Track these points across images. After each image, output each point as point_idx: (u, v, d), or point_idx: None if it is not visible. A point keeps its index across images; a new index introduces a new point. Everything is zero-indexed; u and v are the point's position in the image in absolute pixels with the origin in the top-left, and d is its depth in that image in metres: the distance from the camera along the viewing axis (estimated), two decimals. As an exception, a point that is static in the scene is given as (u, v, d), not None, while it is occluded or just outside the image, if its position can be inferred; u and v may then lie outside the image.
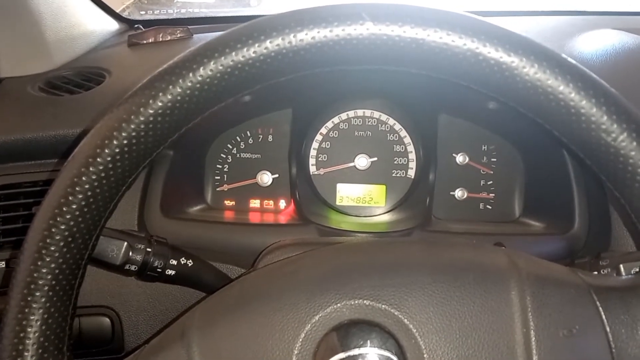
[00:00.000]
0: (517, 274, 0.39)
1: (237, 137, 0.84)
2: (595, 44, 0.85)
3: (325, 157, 0.82)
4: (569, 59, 0.36)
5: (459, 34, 0.35)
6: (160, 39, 0.95)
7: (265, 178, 0.84)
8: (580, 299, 0.38)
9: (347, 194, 0.83)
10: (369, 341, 0.37)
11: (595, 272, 0.54)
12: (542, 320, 0.37)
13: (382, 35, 0.36)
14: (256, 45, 0.36)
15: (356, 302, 0.38)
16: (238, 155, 0.84)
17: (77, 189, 0.38)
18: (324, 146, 0.82)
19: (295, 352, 0.37)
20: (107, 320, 0.72)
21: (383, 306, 0.38)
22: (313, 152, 0.82)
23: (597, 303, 0.38)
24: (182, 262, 0.59)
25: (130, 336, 0.73)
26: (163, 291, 0.73)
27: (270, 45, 0.36)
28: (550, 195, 0.78)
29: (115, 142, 0.37)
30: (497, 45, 0.35)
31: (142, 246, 0.56)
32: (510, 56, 0.35)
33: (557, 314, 0.37)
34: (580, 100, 0.35)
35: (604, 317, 0.37)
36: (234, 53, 0.36)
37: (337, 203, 0.82)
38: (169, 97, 0.37)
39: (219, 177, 0.85)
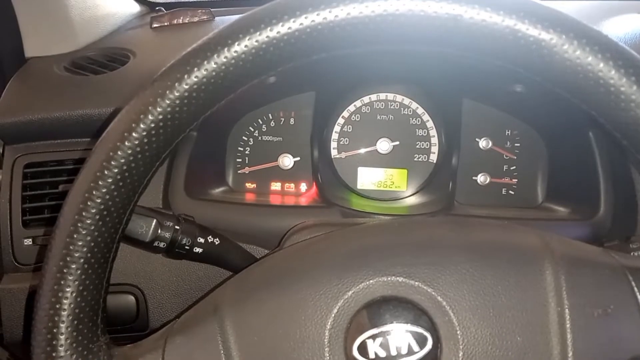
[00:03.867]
0: (550, 254, 0.39)
1: (259, 120, 0.84)
2: (622, 28, 0.84)
3: (347, 140, 0.82)
4: (609, 37, 0.35)
5: (497, 10, 0.35)
6: (182, 21, 0.95)
7: (287, 161, 0.85)
8: (615, 279, 0.38)
9: (368, 177, 0.82)
10: (401, 317, 0.37)
11: (625, 255, 0.54)
12: (577, 300, 0.37)
13: (419, 12, 0.35)
14: (291, 21, 0.36)
15: (389, 279, 0.38)
16: (260, 138, 0.84)
17: (112, 163, 0.38)
18: (345, 130, 0.82)
19: (328, 327, 0.38)
20: (132, 298, 0.73)
21: (416, 283, 0.38)
22: (335, 136, 0.82)
23: (633, 283, 0.38)
24: (210, 241, 0.60)
25: (155, 314, 0.74)
26: (188, 270, 0.73)
27: (306, 21, 0.36)
28: (575, 180, 0.78)
29: (150, 117, 0.37)
30: (536, 22, 0.35)
31: (171, 224, 0.57)
32: (550, 33, 0.34)
33: (592, 294, 0.37)
34: (619, 79, 0.35)
35: (639, 297, 0.37)
36: (268, 29, 0.36)
37: (359, 187, 0.82)
38: (204, 72, 0.37)
39: (240, 160, 0.85)
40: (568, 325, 0.36)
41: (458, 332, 0.37)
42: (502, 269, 0.38)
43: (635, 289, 0.38)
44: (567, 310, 0.37)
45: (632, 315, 0.37)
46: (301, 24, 0.36)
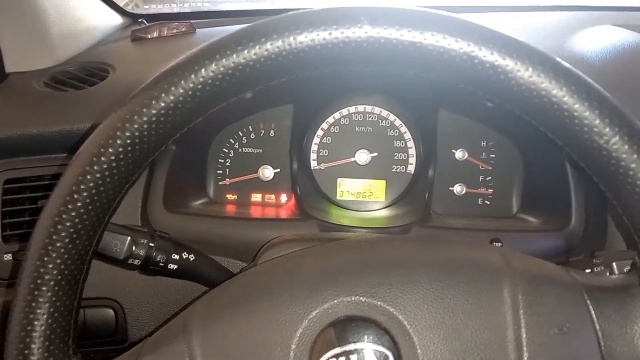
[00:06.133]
0: (510, 273, 0.40)
1: (239, 132, 0.85)
2: (596, 40, 0.85)
3: (326, 152, 0.83)
4: (563, 62, 0.36)
5: (455, 38, 0.36)
6: (164, 34, 0.96)
7: (267, 172, 0.85)
8: (572, 298, 0.39)
9: (347, 188, 0.84)
10: (364, 337, 0.38)
11: (589, 270, 0.55)
12: (533, 319, 0.38)
13: (380, 39, 0.36)
14: (256, 47, 0.37)
15: (353, 298, 0.39)
16: (240, 149, 0.85)
17: (81, 187, 0.39)
18: (325, 141, 0.83)
19: (293, 347, 0.39)
20: (111, 312, 0.74)
21: (379, 303, 0.39)
22: (314, 147, 0.83)
23: (588, 302, 0.39)
24: (184, 257, 0.61)
25: (134, 328, 0.75)
26: (166, 283, 0.74)
27: (270, 47, 0.37)
28: (548, 191, 0.79)
29: (118, 141, 0.38)
30: (492, 48, 0.36)
31: (145, 241, 0.57)
32: (505, 59, 0.36)
33: (549, 313, 0.38)
34: (573, 103, 0.36)
35: (594, 316, 0.38)
36: (234, 55, 0.37)
37: (338, 197, 0.83)
38: (172, 97, 0.37)
39: (221, 172, 0.86)
40: (524, 344, 0.37)
41: (418, 351, 0.38)
42: (462, 288, 0.39)
43: (591, 307, 0.38)
44: (523, 329, 0.38)
45: (587, 333, 0.38)
46: (266, 50, 0.37)
